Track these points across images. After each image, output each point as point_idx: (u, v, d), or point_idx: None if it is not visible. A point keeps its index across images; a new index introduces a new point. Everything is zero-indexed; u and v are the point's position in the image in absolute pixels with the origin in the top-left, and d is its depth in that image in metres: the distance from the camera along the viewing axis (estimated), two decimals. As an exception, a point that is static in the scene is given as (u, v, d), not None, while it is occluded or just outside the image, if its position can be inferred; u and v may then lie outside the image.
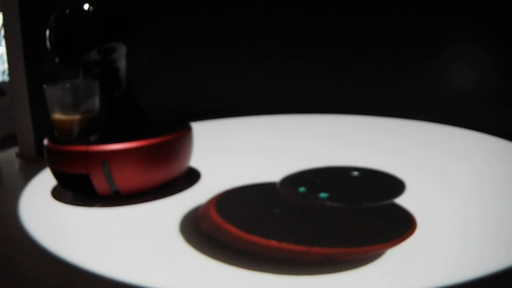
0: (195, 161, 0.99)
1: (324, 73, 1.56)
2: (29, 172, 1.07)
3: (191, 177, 0.98)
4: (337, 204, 0.82)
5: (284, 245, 0.68)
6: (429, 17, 1.40)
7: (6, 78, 1.54)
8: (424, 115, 1.38)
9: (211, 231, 0.74)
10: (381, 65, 1.50)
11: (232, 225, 0.74)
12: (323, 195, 0.85)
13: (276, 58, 1.60)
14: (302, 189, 0.89)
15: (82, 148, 0.83)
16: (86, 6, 0.85)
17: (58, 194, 0.92)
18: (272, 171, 0.99)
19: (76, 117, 0.84)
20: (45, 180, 0.99)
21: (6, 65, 1.30)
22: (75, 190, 0.89)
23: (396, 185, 0.90)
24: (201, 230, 0.75)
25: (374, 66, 1.51)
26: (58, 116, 0.84)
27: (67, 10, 0.85)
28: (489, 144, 1.17)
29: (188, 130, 0.94)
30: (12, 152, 1.25)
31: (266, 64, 1.60)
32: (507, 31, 1.27)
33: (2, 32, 1.26)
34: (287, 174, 0.97)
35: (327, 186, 0.90)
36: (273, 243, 0.69)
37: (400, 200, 0.83)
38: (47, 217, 0.83)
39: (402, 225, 0.73)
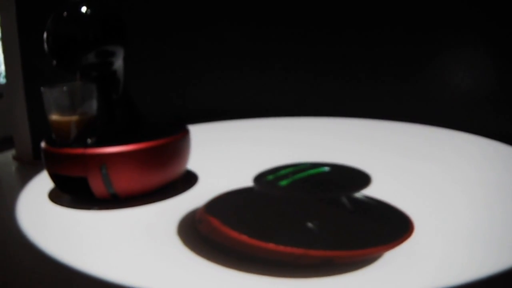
0: (192, 164, 0.99)
1: (320, 77, 1.57)
2: (26, 175, 1.07)
3: (189, 179, 0.98)
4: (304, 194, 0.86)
5: (282, 248, 0.68)
6: (426, 23, 1.40)
7: (2, 80, 1.53)
8: (420, 118, 1.39)
9: (208, 234, 0.74)
10: (377, 68, 1.50)
11: (230, 228, 0.74)
12: (283, 182, 0.89)
13: (274, 62, 1.60)
14: (270, 177, 0.92)
15: (80, 150, 0.83)
16: (84, 9, 0.85)
17: (55, 196, 0.92)
18: (269, 173, 0.99)
19: (74, 118, 0.84)
20: (42, 182, 0.99)
21: (2, 67, 1.30)
22: (73, 192, 0.89)
23: (362, 178, 0.93)
24: (198, 233, 0.75)
25: (370, 70, 1.51)
26: (55, 117, 0.84)
27: (65, 13, 0.85)
28: (485, 147, 1.17)
29: (186, 133, 0.94)
30: (9, 155, 1.24)
31: (264, 67, 1.60)
32: (503, 35, 1.28)
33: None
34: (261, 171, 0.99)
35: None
36: (271, 245, 0.69)
37: (398, 203, 0.83)
38: (44, 220, 0.83)
39: (399, 228, 0.73)
